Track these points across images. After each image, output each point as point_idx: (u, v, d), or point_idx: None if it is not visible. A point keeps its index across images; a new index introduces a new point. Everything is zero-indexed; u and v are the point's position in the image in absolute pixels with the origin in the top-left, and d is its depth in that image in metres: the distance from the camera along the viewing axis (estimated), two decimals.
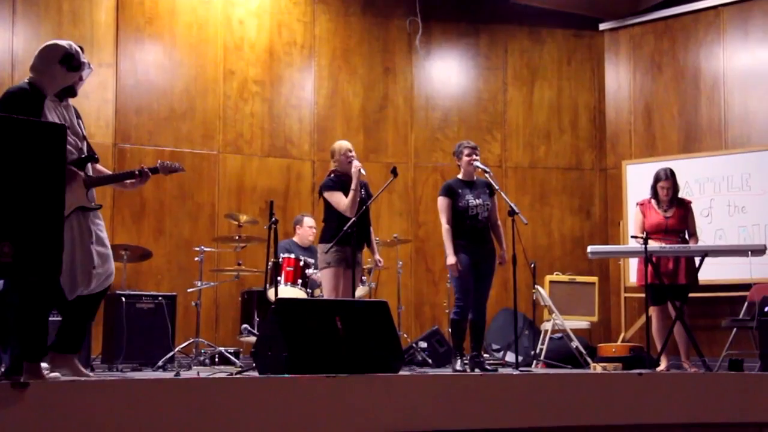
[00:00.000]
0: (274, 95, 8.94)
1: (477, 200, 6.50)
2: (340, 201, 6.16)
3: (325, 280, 6.18)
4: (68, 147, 4.15)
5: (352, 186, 6.16)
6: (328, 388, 3.53)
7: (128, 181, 4.74)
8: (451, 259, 6.35)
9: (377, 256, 6.58)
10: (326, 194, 6.26)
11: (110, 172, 4.81)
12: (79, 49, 4.34)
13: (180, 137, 8.47)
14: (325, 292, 6.19)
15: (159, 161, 4.88)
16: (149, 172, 4.71)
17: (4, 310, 4.65)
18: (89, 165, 4.39)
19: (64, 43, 4.34)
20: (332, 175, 6.34)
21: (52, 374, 4.63)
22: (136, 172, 4.67)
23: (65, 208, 4.07)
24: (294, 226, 7.98)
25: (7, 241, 2.97)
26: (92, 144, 4.80)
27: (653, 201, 6.80)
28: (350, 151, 6.35)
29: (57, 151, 3.23)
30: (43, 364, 4.49)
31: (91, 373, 4.78)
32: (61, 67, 4.25)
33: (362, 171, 6.20)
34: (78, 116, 4.45)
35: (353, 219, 6.01)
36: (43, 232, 3.11)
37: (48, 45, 4.32)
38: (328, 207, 6.27)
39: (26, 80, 4.25)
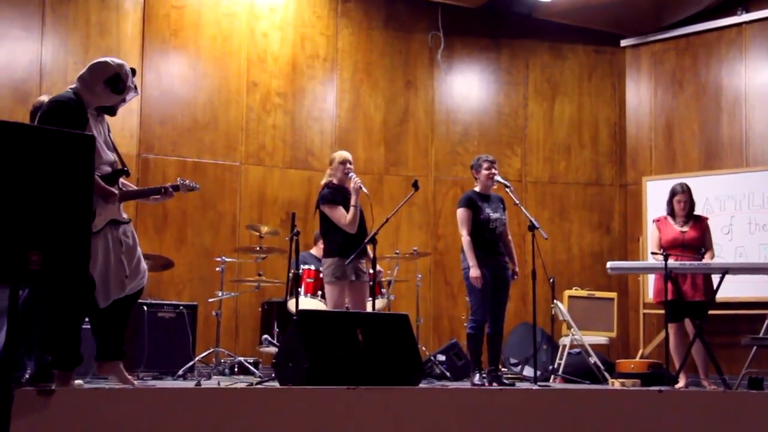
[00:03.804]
0: (296, 107, 9.01)
1: (495, 214, 6.52)
2: (342, 216, 6.02)
3: (332, 295, 6.05)
4: (104, 159, 4.31)
5: (352, 202, 6.05)
6: (348, 400, 3.55)
7: (152, 197, 4.85)
8: (475, 271, 6.29)
9: (378, 267, 6.32)
10: (327, 209, 6.09)
11: (134, 187, 4.93)
12: (129, 72, 4.35)
13: (203, 148, 8.55)
14: (330, 307, 6.06)
15: (179, 179, 4.96)
16: (173, 191, 4.80)
17: (27, 317, 4.74)
18: (121, 179, 4.48)
19: (115, 63, 4.33)
20: (328, 188, 6.17)
21: (76, 381, 4.70)
22: (162, 190, 4.77)
23: (101, 221, 4.22)
24: (316, 241, 7.94)
25: (36, 249, 3.02)
26: None
27: (669, 217, 6.81)
28: (349, 163, 6.20)
29: (85, 162, 3.27)
30: (77, 381, 4.56)
31: (135, 381, 4.82)
32: (105, 87, 4.28)
33: (364, 189, 6.03)
34: (108, 129, 4.54)
35: (377, 230, 5.95)
36: (71, 241, 3.15)
37: (100, 61, 4.33)
38: (327, 221, 6.11)
39: (71, 89, 4.28)
